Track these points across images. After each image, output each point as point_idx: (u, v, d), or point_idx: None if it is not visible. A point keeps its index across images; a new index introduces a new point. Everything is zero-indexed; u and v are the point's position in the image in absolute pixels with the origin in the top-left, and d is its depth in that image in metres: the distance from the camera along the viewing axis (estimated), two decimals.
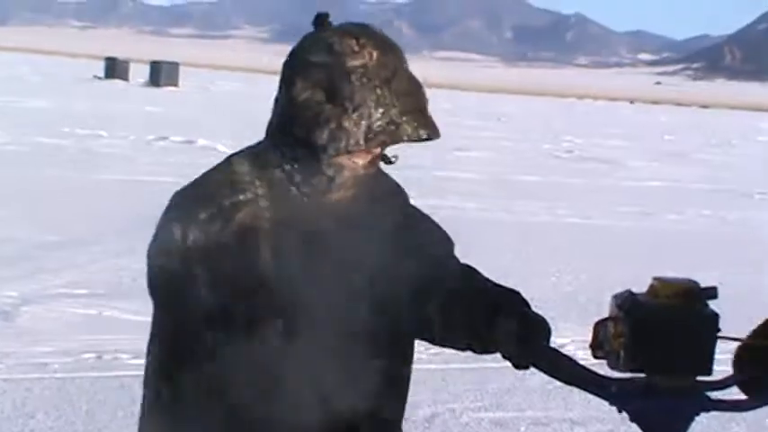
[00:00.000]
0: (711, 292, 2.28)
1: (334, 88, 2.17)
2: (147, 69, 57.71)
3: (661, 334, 2.26)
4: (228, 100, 44.77)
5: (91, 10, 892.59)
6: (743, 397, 2.37)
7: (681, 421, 2.33)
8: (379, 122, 2.17)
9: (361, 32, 2.22)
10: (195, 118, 30.73)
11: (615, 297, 2.32)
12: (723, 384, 2.39)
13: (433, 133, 2.23)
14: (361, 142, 2.17)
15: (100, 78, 57.87)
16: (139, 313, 7.37)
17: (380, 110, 2.18)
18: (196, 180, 2.27)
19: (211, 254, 2.15)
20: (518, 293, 2.32)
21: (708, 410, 2.34)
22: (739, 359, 2.36)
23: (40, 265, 9.02)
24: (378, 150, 2.23)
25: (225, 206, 2.18)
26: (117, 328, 7.12)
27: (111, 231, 10.79)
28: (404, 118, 2.20)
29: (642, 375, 2.32)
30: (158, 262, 2.20)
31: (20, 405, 5.66)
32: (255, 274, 2.17)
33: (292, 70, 2.22)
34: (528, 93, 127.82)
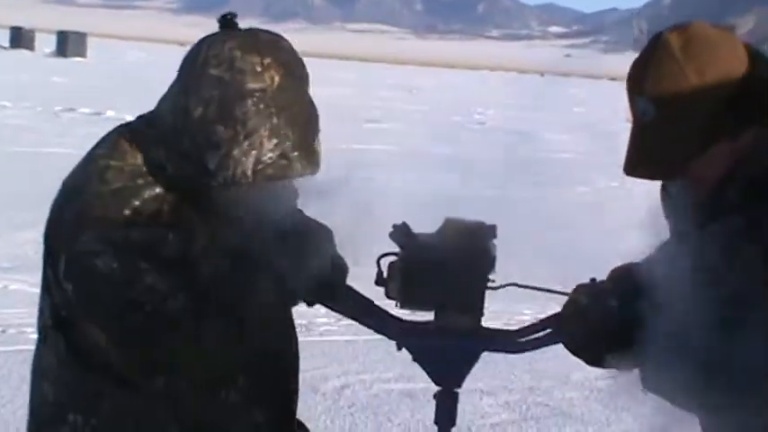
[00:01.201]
0: (490, 231, 2.29)
1: (227, 109, 2.04)
2: (53, 39, 56.66)
3: (434, 269, 2.26)
4: (137, 71, 44.10)
5: None
6: (521, 340, 2.38)
7: (463, 362, 2.34)
8: (270, 154, 2.06)
9: (268, 50, 2.09)
10: (103, 89, 30.28)
11: (394, 229, 2.31)
12: (513, 334, 2.40)
13: (314, 169, 2.13)
14: (248, 174, 2.06)
15: (5, 48, 56.67)
16: None
17: (274, 140, 2.07)
18: (92, 173, 2.10)
19: (147, 251, 2.03)
20: (328, 231, 2.27)
21: (487, 351, 2.34)
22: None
23: None
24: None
25: (146, 199, 2.06)
26: (22, 301, 6.99)
27: (15, 204, 10.59)
28: (295, 153, 2.09)
29: (427, 315, 2.33)
30: (91, 278, 2.03)
31: None
32: (189, 267, 2.07)
33: (188, 78, 2.10)
34: (440, 65, 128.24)
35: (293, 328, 2.39)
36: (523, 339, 2.38)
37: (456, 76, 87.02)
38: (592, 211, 14.07)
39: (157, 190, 2.09)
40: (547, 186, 16.26)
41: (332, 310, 2.34)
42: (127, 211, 2.04)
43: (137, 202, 2.06)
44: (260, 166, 2.06)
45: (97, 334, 2.06)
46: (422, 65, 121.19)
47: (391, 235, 2.29)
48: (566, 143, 25.00)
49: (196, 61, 2.09)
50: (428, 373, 2.33)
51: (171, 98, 2.14)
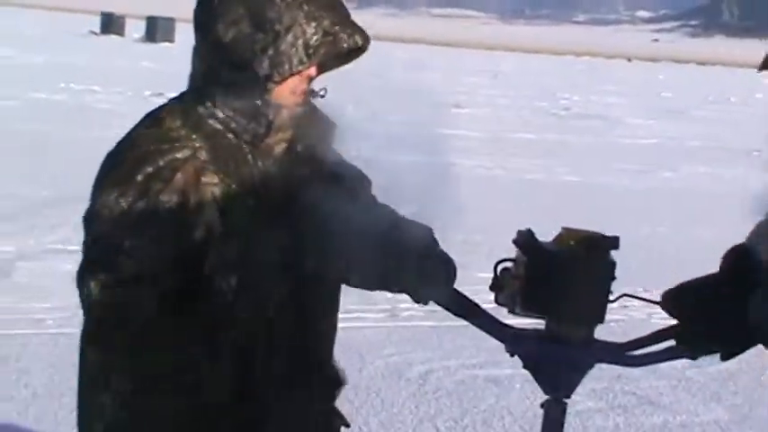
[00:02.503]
0: (613, 242, 2.25)
1: (259, 17, 2.13)
2: (143, 25, 57.36)
3: (555, 278, 2.23)
4: None
5: None
6: (636, 353, 2.34)
7: (574, 372, 2.30)
8: (315, 37, 2.15)
9: None
10: None
11: (518, 234, 2.28)
12: (627, 345, 2.36)
13: (365, 39, 2.22)
14: (305, 60, 2.14)
15: (96, 34, 57.54)
16: None
17: (313, 24, 2.15)
18: (127, 140, 2.20)
19: (152, 217, 2.09)
20: (429, 230, 2.26)
21: (601, 363, 2.31)
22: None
23: (36, 221, 9.01)
24: (313, 72, 2.20)
25: (162, 166, 2.12)
26: None
27: None
28: (336, 28, 2.17)
29: (540, 322, 2.29)
30: (98, 229, 2.13)
31: (14, 360, 5.67)
32: (200, 233, 2.12)
33: (208, 14, 2.17)
34: (525, 50, 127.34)
35: (338, 300, 2.40)
36: (640, 352, 2.35)
37: (542, 61, 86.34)
38: (678, 197, 13.89)
39: (179, 154, 2.14)
40: (633, 173, 16.08)
41: (441, 306, 2.33)
42: (139, 177, 2.10)
43: (150, 169, 2.11)
44: (310, 50, 2.14)
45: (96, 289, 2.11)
46: (507, 50, 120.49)
47: (515, 240, 2.27)
48: (652, 129, 24.69)
49: (206, 3, 2.18)
50: (538, 382, 2.31)
51: (196, 51, 2.21)
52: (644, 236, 10.33)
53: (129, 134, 2.22)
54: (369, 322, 6.68)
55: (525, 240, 2.25)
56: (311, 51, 2.14)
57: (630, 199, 13.40)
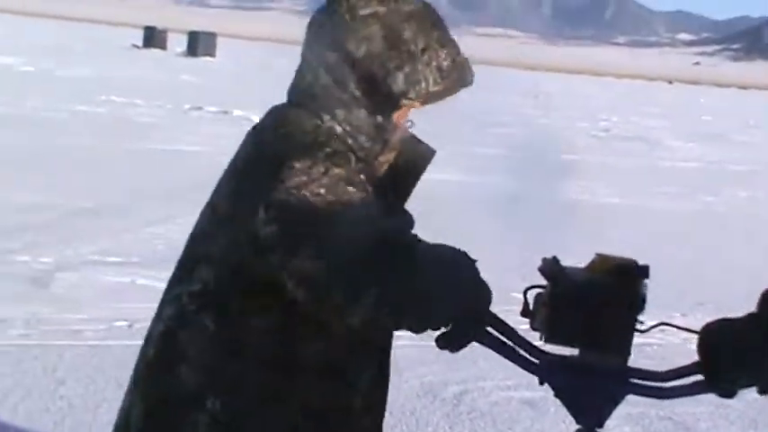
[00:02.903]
0: (643, 271, 2.21)
1: (394, 35, 2.14)
2: (184, 39, 57.81)
3: (580, 307, 2.20)
4: (264, 71, 44.70)
5: None
6: (668, 384, 2.31)
7: (606, 402, 2.27)
8: (446, 63, 2.17)
9: None
10: (231, 88, 30.75)
11: (543, 262, 2.25)
12: (660, 375, 2.32)
13: (473, 77, 2.26)
14: (440, 82, 2.16)
15: (138, 47, 58.04)
16: None
17: (444, 51, 2.18)
18: (277, 133, 2.16)
19: (350, 191, 2.04)
20: (465, 254, 2.13)
21: (633, 394, 2.28)
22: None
23: (75, 233, 9.04)
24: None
25: (333, 151, 2.10)
26: (150, 296, 7.08)
27: (146, 200, 10.82)
28: (461, 58, 2.21)
29: (574, 351, 2.26)
30: (299, 205, 2.02)
31: (51, 371, 5.68)
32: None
33: (339, 28, 2.16)
34: (566, 71, 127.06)
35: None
36: (671, 384, 2.32)
37: (582, 82, 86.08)
38: (720, 221, 13.78)
39: (338, 146, 2.13)
40: (673, 196, 15.97)
41: (479, 342, 2.29)
42: (320, 154, 2.07)
43: (329, 149, 2.09)
44: (444, 73, 2.18)
45: (306, 258, 1.98)
46: (548, 70, 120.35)
47: (541, 269, 2.24)
48: (693, 151, 24.54)
49: (337, 15, 2.17)
50: (569, 410, 2.28)
51: (313, 65, 2.19)
52: (686, 260, 10.24)
53: (265, 135, 2.18)
54: (404, 340, 6.65)
55: (551, 268, 2.22)
56: (444, 74, 2.17)
57: (672, 222, 13.30)
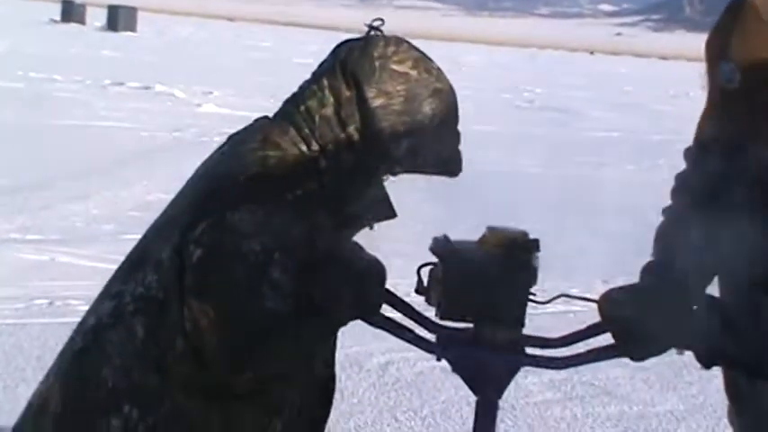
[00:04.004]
0: (534, 245, 2.24)
1: (415, 103, 2.13)
2: (104, 14, 56.96)
3: (472, 283, 2.22)
4: (186, 46, 44.33)
5: None
6: (561, 354, 2.35)
7: (503, 374, 2.29)
8: (446, 152, 2.19)
9: (431, 60, 2.22)
10: (153, 63, 30.41)
11: (434, 241, 2.28)
12: (555, 342, 2.36)
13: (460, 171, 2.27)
14: (435, 165, 2.18)
15: (56, 22, 57.08)
16: (92, 259, 7.31)
17: (450, 140, 2.19)
18: (247, 159, 2.13)
19: (303, 236, 2.08)
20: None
21: (529, 365, 2.31)
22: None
23: None
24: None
25: (302, 194, 2.10)
26: (69, 274, 7.05)
27: (65, 176, 10.68)
28: (458, 151, 2.22)
29: (468, 325, 2.29)
30: (241, 243, 2.05)
31: None
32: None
33: (366, 67, 2.13)
34: (489, 42, 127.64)
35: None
36: (569, 354, 2.35)
37: (506, 53, 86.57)
38: (640, 189, 13.94)
39: (313, 185, 2.12)
40: (595, 165, 16.14)
41: (368, 323, 2.32)
42: (289, 197, 2.07)
43: (299, 192, 2.09)
44: (441, 161, 2.19)
45: (203, 313, 2.04)
46: (471, 42, 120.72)
47: (432, 248, 2.26)
48: (614, 121, 24.80)
49: (368, 57, 2.14)
50: (467, 384, 2.30)
51: (325, 91, 2.16)
52: (607, 227, 10.36)
53: (241, 157, 2.15)
54: None
55: (441, 247, 2.24)
56: (440, 162, 2.19)
57: (594, 191, 13.44)
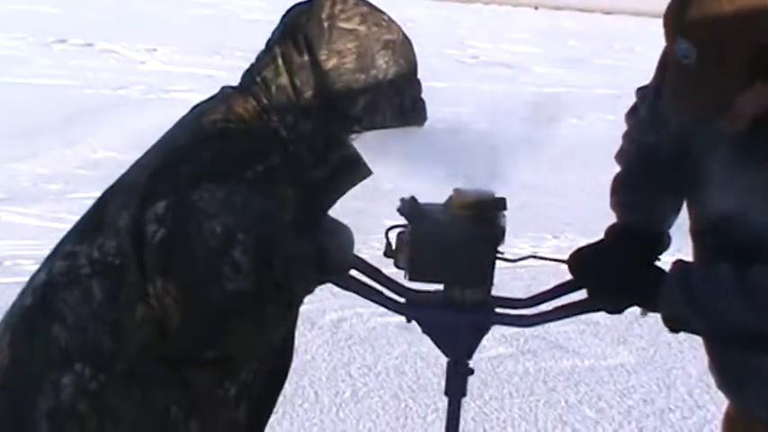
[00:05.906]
0: (500, 204, 2.27)
1: (367, 59, 2.10)
2: None
3: (440, 244, 2.24)
4: (129, 3, 43.70)
5: None
6: (527, 312, 2.38)
7: (472, 334, 2.32)
8: (407, 102, 2.17)
9: (379, 8, 2.19)
10: (94, 20, 29.99)
11: (401, 203, 2.29)
12: (524, 302, 2.39)
13: (425, 122, 2.26)
14: (396, 119, 2.14)
15: None
16: (40, 218, 7.24)
17: (409, 89, 2.18)
18: (207, 131, 2.11)
19: (265, 214, 2.05)
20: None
21: (498, 324, 2.35)
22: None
23: None
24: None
25: (264, 169, 2.08)
26: (16, 233, 6.98)
27: (9, 135, 10.53)
28: (420, 100, 2.21)
29: (438, 286, 2.31)
30: (203, 221, 2.02)
31: None
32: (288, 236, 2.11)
33: (314, 30, 2.10)
34: None
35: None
36: (539, 311, 2.37)
37: (450, 9, 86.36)
38: (585, 144, 14.02)
39: (276, 158, 2.09)
40: (540, 120, 16.18)
41: (338, 286, 2.33)
42: (249, 174, 2.03)
43: (260, 168, 2.06)
44: (403, 113, 2.17)
45: (167, 292, 2.04)
46: None
47: (399, 209, 2.26)
48: (559, 76, 24.87)
49: (316, 19, 2.11)
50: (437, 345, 2.32)
51: (278, 59, 2.13)
52: (555, 182, 10.43)
53: (202, 127, 2.12)
54: None
55: (409, 209, 2.25)
56: (402, 114, 2.16)
57: (538, 146, 13.49)
